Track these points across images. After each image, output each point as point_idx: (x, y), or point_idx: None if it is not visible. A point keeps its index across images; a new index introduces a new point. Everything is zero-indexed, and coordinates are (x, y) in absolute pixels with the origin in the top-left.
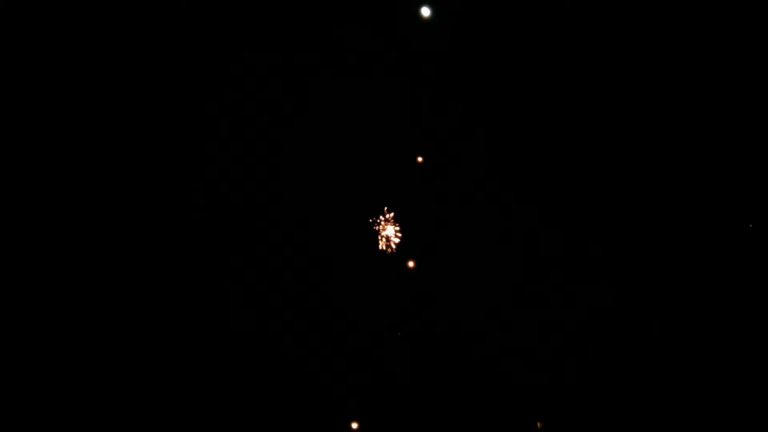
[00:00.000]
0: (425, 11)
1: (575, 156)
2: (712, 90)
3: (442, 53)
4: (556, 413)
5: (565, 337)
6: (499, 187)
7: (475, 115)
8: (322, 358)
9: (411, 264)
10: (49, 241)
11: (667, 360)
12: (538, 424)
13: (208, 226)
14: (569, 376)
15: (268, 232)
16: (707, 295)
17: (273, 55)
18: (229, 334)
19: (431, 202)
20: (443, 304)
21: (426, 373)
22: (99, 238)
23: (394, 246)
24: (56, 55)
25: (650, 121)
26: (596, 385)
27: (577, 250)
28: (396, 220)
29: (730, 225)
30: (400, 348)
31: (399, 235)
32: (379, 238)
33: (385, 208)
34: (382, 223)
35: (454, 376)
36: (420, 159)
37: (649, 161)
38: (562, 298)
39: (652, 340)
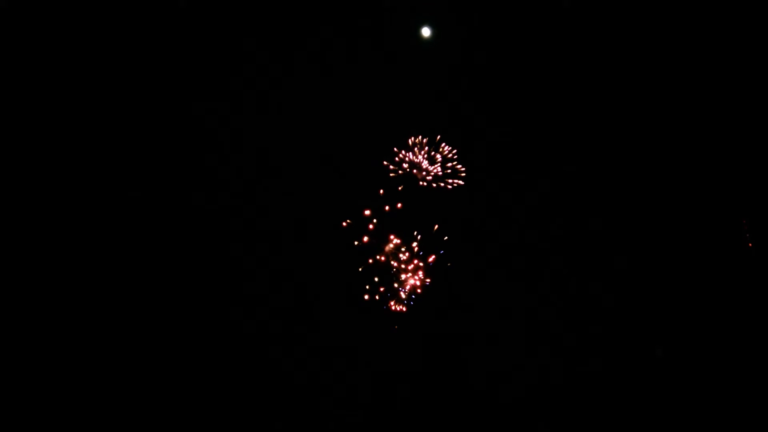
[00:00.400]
0: (425, 31)
1: (582, 160)
2: (710, 92)
3: (442, 66)
4: (556, 417)
5: (566, 343)
6: (500, 187)
7: (477, 119)
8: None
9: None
10: (57, 242)
11: (670, 376)
12: None
13: (207, 228)
14: (571, 382)
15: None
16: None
17: (272, 61)
18: (229, 335)
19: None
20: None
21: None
22: (100, 237)
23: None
24: (57, 56)
25: (649, 125)
26: (595, 390)
27: (585, 260)
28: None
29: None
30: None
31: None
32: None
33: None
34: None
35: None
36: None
37: (653, 165)
38: (565, 304)
39: (655, 361)
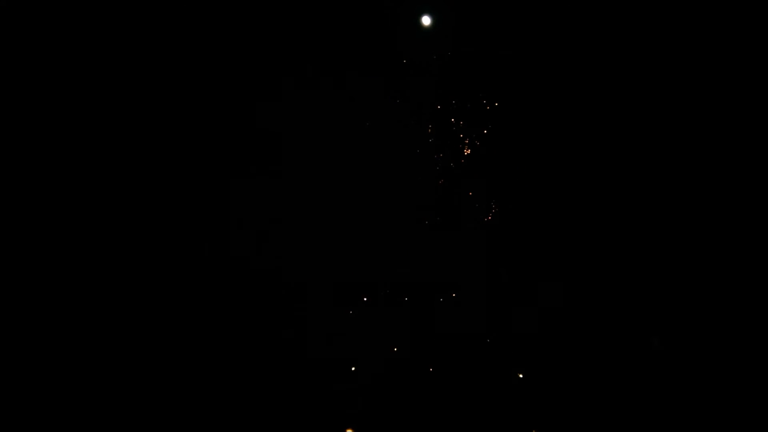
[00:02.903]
0: (426, 20)
1: (583, 161)
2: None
3: (443, 60)
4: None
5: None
6: (501, 192)
7: (478, 120)
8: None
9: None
10: (60, 243)
11: (667, 367)
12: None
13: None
14: (567, 379)
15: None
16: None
17: (272, 61)
18: (227, 333)
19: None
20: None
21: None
22: (101, 238)
23: None
24: (60, 56)
25: (649, 124)
26: (592, 388)
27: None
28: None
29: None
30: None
31: None
32: None
33: None
34: None
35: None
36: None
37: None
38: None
39: (651, 351)
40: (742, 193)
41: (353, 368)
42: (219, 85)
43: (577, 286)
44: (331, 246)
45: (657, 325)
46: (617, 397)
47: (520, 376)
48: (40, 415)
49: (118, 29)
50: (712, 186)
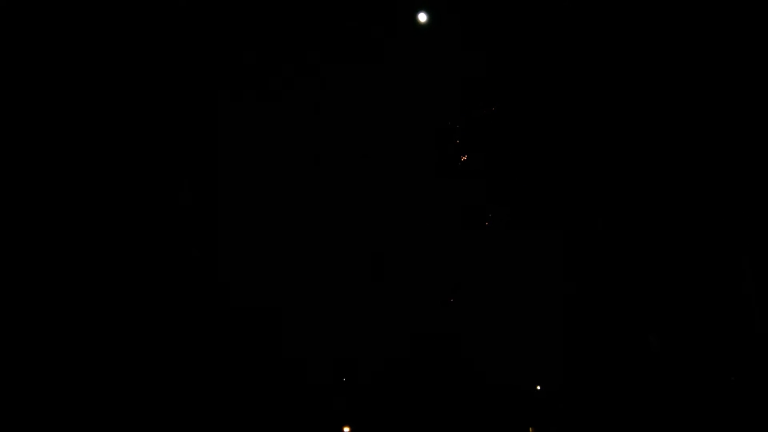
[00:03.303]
0: (422, 17)
1: (580, 159)
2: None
3: (443, 57)
4: (549, 417)
5: (559, 341)
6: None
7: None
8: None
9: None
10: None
11: (665, 368)
12: (530, 430)
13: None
14: (563, 381)
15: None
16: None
17: (273, 57)
18: (222, 334)
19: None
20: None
21: (419, 377)
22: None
23: None
24: (60, 56)
25: (650, 123)
26: (589, 390)
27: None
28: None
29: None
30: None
31: None
32: None
33: None
34: None
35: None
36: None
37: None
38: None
39: (648, 350)
40: (740, 193)
41: (351, 368)
42: (219, 86)
43: (576, 286)
44: (329, 246)
45: (655, 325)
46: (616, 395)
47: (519, 375)
48: (27, 414)
49: (90, 29)
50: (710, 187)
